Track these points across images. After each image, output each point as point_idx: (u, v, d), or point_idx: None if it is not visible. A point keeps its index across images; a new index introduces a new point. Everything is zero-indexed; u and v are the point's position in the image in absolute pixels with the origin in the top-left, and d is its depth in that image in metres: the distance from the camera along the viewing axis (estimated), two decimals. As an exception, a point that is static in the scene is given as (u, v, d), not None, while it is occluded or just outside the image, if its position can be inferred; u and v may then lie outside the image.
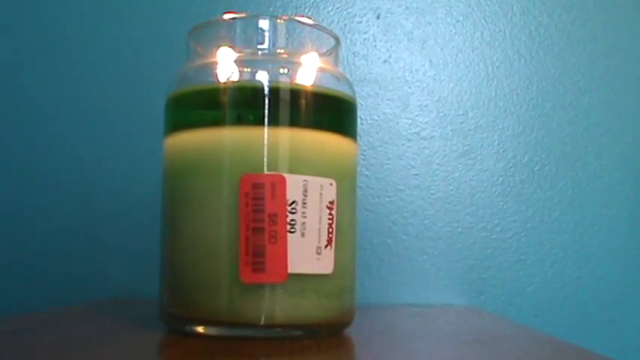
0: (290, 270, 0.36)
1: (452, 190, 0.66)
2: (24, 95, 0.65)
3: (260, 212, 0.36)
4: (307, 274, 0.37)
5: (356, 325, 0.42)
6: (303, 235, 0.37)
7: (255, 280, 0.36)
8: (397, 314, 0.57)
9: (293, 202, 0.37)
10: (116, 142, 0.65)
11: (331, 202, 0.38)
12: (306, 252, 0.37)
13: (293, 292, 0.37)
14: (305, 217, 0.37)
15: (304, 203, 0.37)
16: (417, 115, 0.66)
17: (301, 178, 0.37)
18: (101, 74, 0.65)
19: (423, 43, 0.67)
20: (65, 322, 0.43)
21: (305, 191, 0.37)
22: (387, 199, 0.65)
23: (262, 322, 0.37)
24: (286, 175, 0.37)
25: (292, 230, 0.37)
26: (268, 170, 0.37)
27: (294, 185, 0.37)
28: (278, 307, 0.37)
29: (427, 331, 0.49)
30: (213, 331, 0.37)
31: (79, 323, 0.43)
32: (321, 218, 0.38)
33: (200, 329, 0.38)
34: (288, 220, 0.37)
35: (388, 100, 0.66)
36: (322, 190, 0.38)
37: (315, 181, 0.38)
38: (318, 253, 0.38)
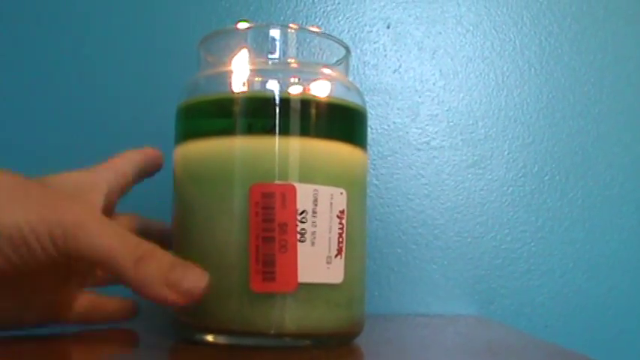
0: (300, 279, 0.36)
1: (462, 199, 0.66)
2: (32, 102, 0.66)
3: (270, 221, 0.36)
4: (317, 284, 0.37)
5: (365, 334, 0.42)
6: (313, 244, 0.37)
7: (266, 289, 0.36)
8: (406, 324, 0.57)
9: (303, 212, 0.37)
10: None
11: (341, 212, 0.38)
12: (316, 261, 0.37)
13: (303, 301, 0.37)
14: (315, 226, 0.37)
15: (314, 212, 0.37)
16: (427, 125, 0.66)
17: (311, 187, 0.37)
18: (111, 83, 0.65)
19: (433, 53, 0.67)
20: (73, 330, 0.43)
21: (315, 200, 0.37)
22: (397, 209, 0.65)
23: (272, 332, 0.37)
24: (296, 185, 0.37)
25: (302, 240, 0.37)
26: (279, 179, 0.37)
27: (304, 194, 0.37)
28: (288, 316, 0.37)
29: (437, 341, 0.49)
30: (223, 339, 0.37)
31: (88, 331, 0.43)
32: (331, 227, 0.38)
33: (210, 338, 0.38)
34: (299, 229, 0.36)
35: (398, 109, 0.66)
36: (332, 199, 0.38)
37: (325, 191, 0.37)
38: (328, 263, 0.38)
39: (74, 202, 0.36)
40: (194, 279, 0.35)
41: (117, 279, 0.35)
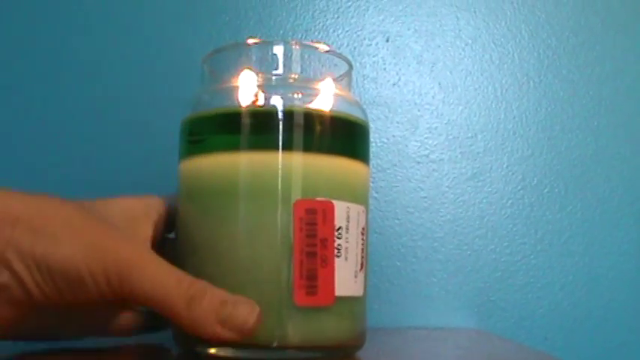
0: (336, 293, 0.37)
1: (461, 212, 0.66)
2: (34, 112, 0.65)
3: (313, 237, 0.37)
4: (346, 297, 0.38)
5: (365, 347, 0.42)
6: (346, 259, 0.38)
7: (308, 302, 0.37)
8: (406, 337, 0.57)
9: (340, 228, 0.38)
10: (130, 165, 0.64)
11: (363, 228, 0.40)
12: (348, 275, 0.38)
13: (336, 314, 0.38)
14: (348, 242, 0.38)
15: (347, 229, 0.38)
16: (426, 138, 0.67)
17: (345, 204, 0.38)
18: (114, 98, 0.65)
19: (432, 66, 0.68)
20: (76, 342, 0.43)
21: (348, 217, 0.38)
22: (396, 222, 0.65)
23: (310, 345, 0.38)
24: (334, 202, 0.38)
25: (338, 255, 0.38)
26: (318, 196, 0.38)
27: (340, 211, 0.38)
28: (325, 328, 0.38)
29: (436, 354, 0.49)
30: (244, 354, 0.37)
31: (91, 342, 0.43)
32: (357, 243, 0.39)
33: (229, 352, 0.37)
34: (336, 244, 0.38)
35: (397, 122, 0.67)
36: (359, 216, 0.39)
37: (354, 208, 0.39)
38: (355, 277, 0.39)
39: (129, 241, 0.36)
40: (244, 314, 0.35)
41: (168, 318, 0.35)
